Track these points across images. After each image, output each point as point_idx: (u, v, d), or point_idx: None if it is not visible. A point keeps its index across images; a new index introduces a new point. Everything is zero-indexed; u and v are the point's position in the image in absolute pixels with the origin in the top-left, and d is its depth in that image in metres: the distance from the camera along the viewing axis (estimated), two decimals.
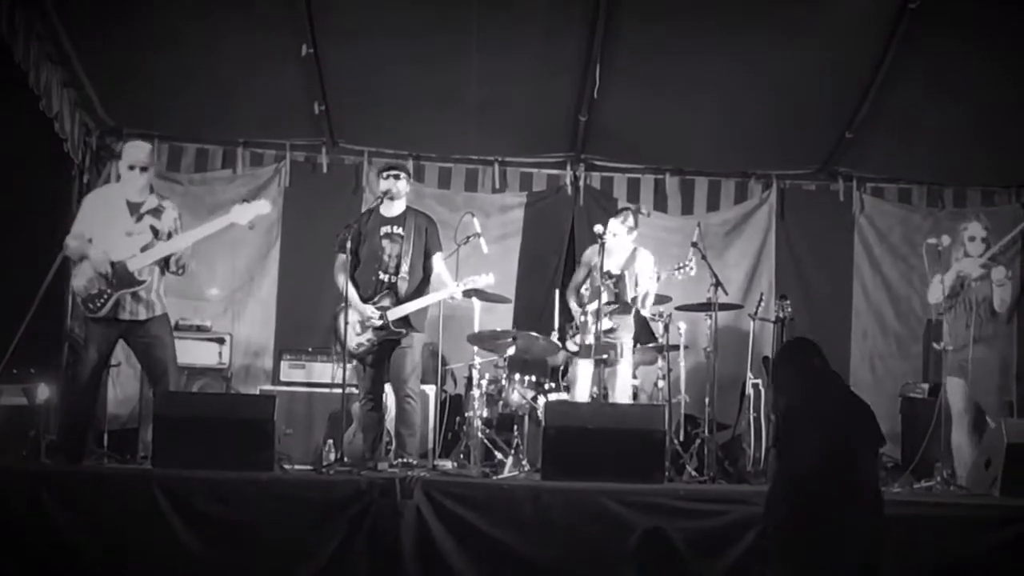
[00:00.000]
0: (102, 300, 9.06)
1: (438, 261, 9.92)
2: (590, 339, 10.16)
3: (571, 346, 10.54)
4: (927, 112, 11.61)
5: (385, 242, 9.79)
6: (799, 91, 11.43)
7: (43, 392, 10.04)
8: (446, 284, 9.80)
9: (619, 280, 10.47)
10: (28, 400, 9.95)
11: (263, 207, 9.55)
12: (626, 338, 10.54)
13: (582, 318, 10.48)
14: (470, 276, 9.92)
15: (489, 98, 11.37)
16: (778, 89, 11.42)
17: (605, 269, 10.20)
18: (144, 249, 9.16)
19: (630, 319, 10.55)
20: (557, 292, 11.59)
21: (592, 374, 10.34)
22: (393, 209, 9.89)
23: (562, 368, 11.17)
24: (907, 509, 8.05)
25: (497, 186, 12.95)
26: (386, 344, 9.70)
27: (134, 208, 9.28)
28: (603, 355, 10.04)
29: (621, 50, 11.05)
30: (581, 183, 12.91)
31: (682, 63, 11.27)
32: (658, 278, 10.30)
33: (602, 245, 10.02)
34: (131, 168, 9.27)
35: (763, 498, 7.14)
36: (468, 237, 10.39)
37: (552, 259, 12.82)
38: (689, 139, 12.31)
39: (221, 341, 11.47)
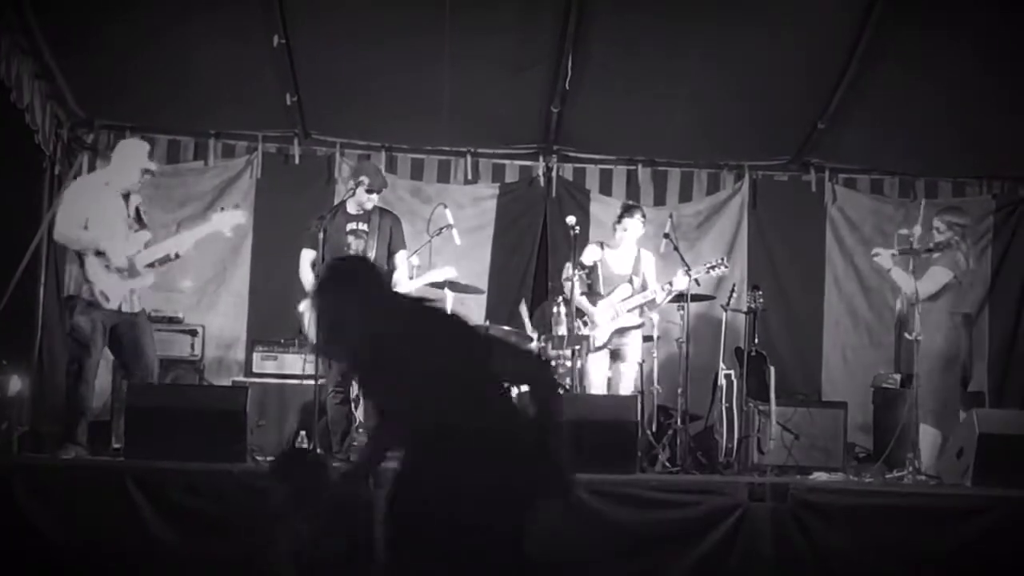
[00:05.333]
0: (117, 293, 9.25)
1: (400, 259, 10.06)
2: (599, 335, 10.35)
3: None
4: (899, 103, 11.64)
5: (350, 238, 9.90)
6: (771, 82, 11.45)
7: (15, 384, 10.01)
8: (400, 283, 9.89)
9: (592, 271, 10.52)
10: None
11: (239, 216, 9.71)
12: (636, 334, 10.78)
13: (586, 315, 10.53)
14: (429, 271, 10.01)
15: (461, 89, 11.34)
16: (750, 80, 11.44)
17: (579, 260, 10.25)
18: (147, 245, 9.41)
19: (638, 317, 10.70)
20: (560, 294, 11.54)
21: (606, 368, 10.51)
22: (367, 205, 9.99)
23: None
24: (879, 499, 8.10)
25: (469, 177, 12.93)
26: None
27: (127, 201, 9.46)
28: (576, 346, 10.09)
29: (594, 41, 11.06)
30: (554, 174, 12.91)
31: (654, 54, 11.29)
32: (692, 280, 10.40)
33: (575, 237, 10.05)
34: (145, 172, 9.54)
35: (732, 488, 7.18)
36: (441, 228, 10.40)
37: (525, 250, 12.83)
38: (661, 130, 12.30)
39: (193, 333, 11.44)
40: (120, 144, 9.93)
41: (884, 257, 9.97)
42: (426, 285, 10.06)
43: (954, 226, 9.96)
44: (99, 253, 9.19)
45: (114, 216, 9.32)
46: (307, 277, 9.82)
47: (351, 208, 9.98)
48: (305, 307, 9.67)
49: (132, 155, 9.51)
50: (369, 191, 9.86)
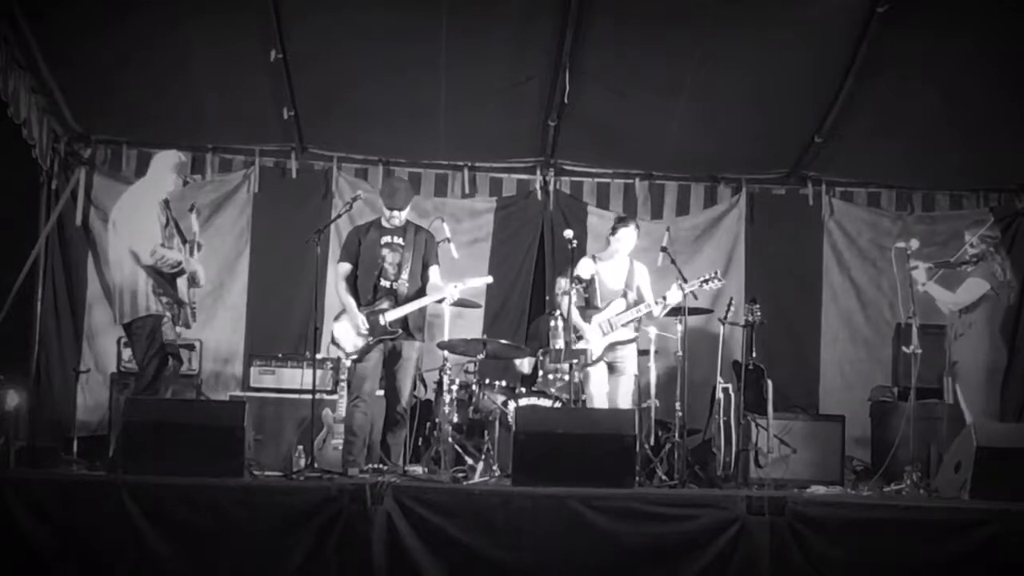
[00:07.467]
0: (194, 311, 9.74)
1: (435, 272, 10.13)
2: (593, 350, 10.47)
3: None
4: (896, 116, 11.66)
5: (385, 251, 10.00)
6: (768, 95, 11.47)
7: (12, 399, 9.98)
8: (441, 288, 9.97)
9: (589, 285, 10.52)
10: None
11: None
12: (631, 348, 10.77)
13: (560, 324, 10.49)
14: (470, 279, 10.21)
15: (459, 103, 11.38)
16: (747, 94, 11.47)
17: (576, 274, 10.23)
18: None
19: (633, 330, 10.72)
20: (558, 308, 11.48)
21: (605, 381, 10.55)
22: (394, 221, 10.03)
23: (543, 374, 11.12)
24: (877, 513, 8.07)
25: (467, 191, 12.97)
26: (385, 347, 9.88)
27: (173, 216, 9.72)
28: (574, 359, 10.06)
29: (591, 56, 11.07)
30: (551, 188, 12.94)
31: (652, 68, 11.31)
32: (686, 294, 10.37)
33: (572, 250, 10.04)
34: (182, 176, 9.80)
35: (730, 502, 7.14)
36: (439, 242, 10.39)
37: (523, 264, 12.83)
38: (659, 144, 12.32)
39: (191, 347, 11.42)
40: (154, 158, 9.93)
41: (920, 271, 9.98)
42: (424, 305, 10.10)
43: (987, 239, 10.12)
44: (191, 273, 9.46)
45: (174, 233, 9.51)
46: (343, 290, 9.92)
47: (385, 223, 10.07)
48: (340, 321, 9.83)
49: (167, 164, 9.69)
50: (390, 208, 9.92)
